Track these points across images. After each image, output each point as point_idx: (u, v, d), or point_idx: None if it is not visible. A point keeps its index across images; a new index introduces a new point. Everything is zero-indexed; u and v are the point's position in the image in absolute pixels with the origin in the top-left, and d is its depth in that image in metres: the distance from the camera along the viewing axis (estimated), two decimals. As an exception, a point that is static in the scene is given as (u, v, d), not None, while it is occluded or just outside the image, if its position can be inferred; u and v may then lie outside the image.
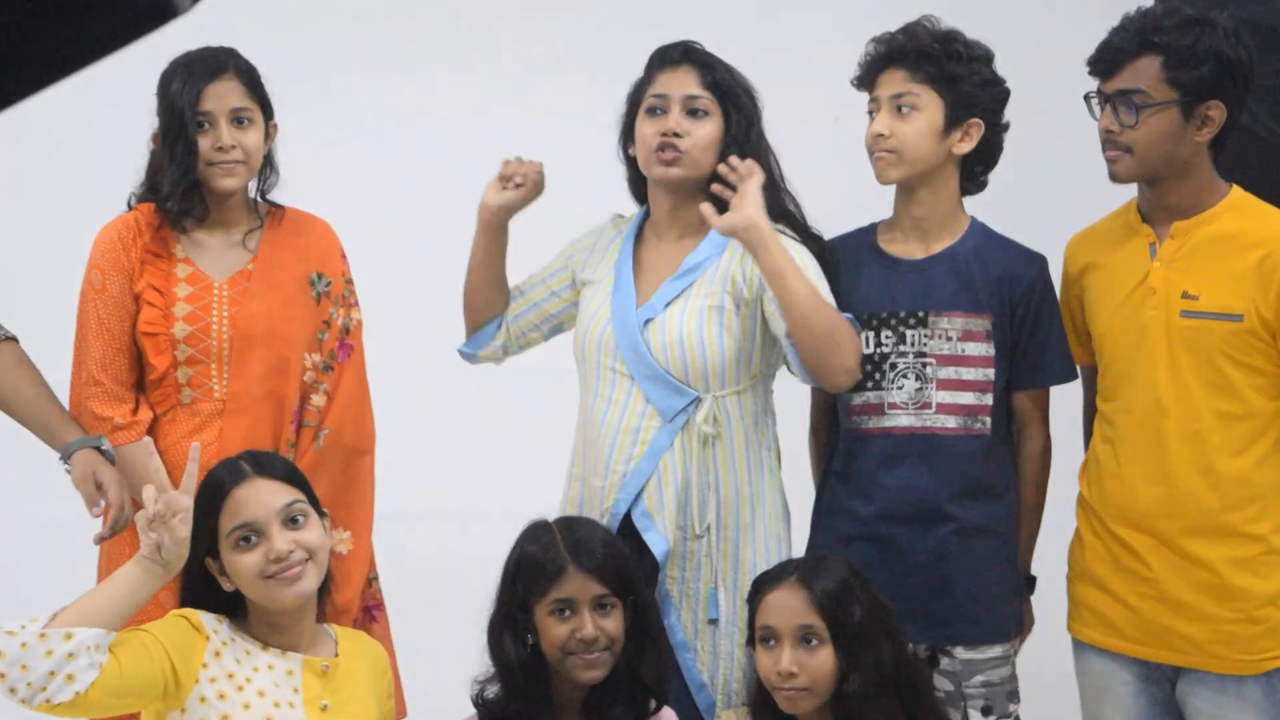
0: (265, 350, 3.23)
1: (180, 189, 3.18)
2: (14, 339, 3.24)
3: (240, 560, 2.81)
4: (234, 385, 3.23)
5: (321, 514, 2.93)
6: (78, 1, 1.28)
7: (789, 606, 2.94)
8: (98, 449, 3.10)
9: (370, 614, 3.36)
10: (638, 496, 3.20)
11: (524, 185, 3.29)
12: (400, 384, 3.84)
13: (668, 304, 3.22)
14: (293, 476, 2.92)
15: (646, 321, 3.22)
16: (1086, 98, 3.15)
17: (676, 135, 3.17)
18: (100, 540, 3.13)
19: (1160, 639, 3.11)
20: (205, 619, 2.84)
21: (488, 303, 3.43)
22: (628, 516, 3.21)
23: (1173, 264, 3.11)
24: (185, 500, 2.71)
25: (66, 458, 3.10)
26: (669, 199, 3.24)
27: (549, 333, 3.46)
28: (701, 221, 3.18)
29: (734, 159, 3.08)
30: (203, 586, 2.88)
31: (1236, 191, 3.14)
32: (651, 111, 3.21)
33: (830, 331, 3.07)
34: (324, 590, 2.96)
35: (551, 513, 3.27)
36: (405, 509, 3.74)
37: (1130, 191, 3.25)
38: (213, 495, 2.85)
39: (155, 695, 2.74)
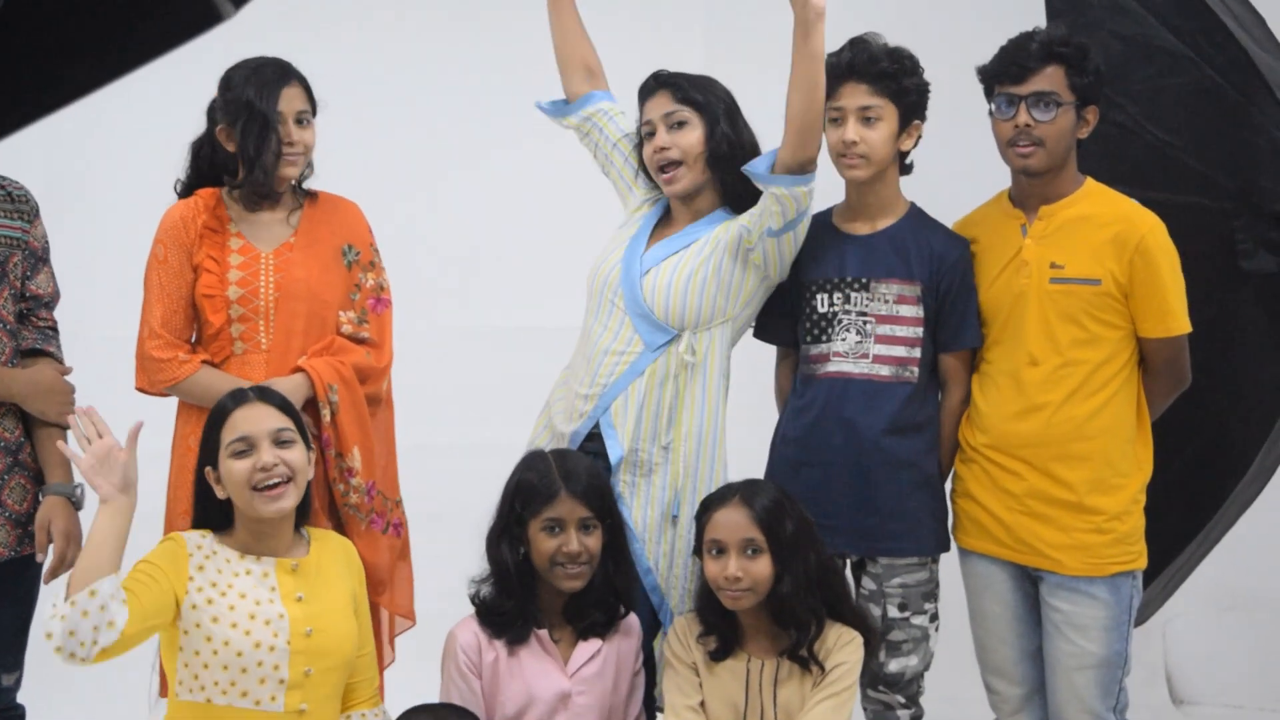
0: (305, 308, 3.36)
1: (268, 178, 3.31)
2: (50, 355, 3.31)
3: (233, 467, 2.92)
4: (277, 339, 3.34)
5: (309, 446, 3.03)
6: (127, 9, 1.25)
7: (734, 523, 3.07)
8: (68, 498, 3.23)
9: (396, 530, 3.47)
10: (607, 408, 3.34)
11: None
12: (427, 338, 3.92)
13: (666, 257, 3.34)
14: (287, 408, 3.04)
15: (645, 271, 3.35)
16: (993, 98, 3.28)
17: (666, 149, 3.32)
18: (49, 579, 3.19)
19: (1027, 546, 3.27)
20: (189, 538, 2.98)
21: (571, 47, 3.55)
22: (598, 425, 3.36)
23: (1042, 240, 3.27)
24: (111, 441, 2.83)
25: (43, 495, 3.23)
26: (680, 199, 3.40)
27: (594, 153, 3.59)
28: (709, 209, 3.39)
29: None
30: (203, 496, 3.01)
31: (1090, 181, 3.32)
32: (646, 136, 3.38)
33: (818, 118, 3.18)
34: (304, 506, 3.06)
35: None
36: (426, 443, 3.82)
37: (993, 185, 3.41)
38: (219, 414, 2.99)
39: (170, 612, 2.88)
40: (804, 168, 3.20)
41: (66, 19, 1.21)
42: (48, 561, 3.20)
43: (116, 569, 2.76)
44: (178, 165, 3.48)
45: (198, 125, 3.41)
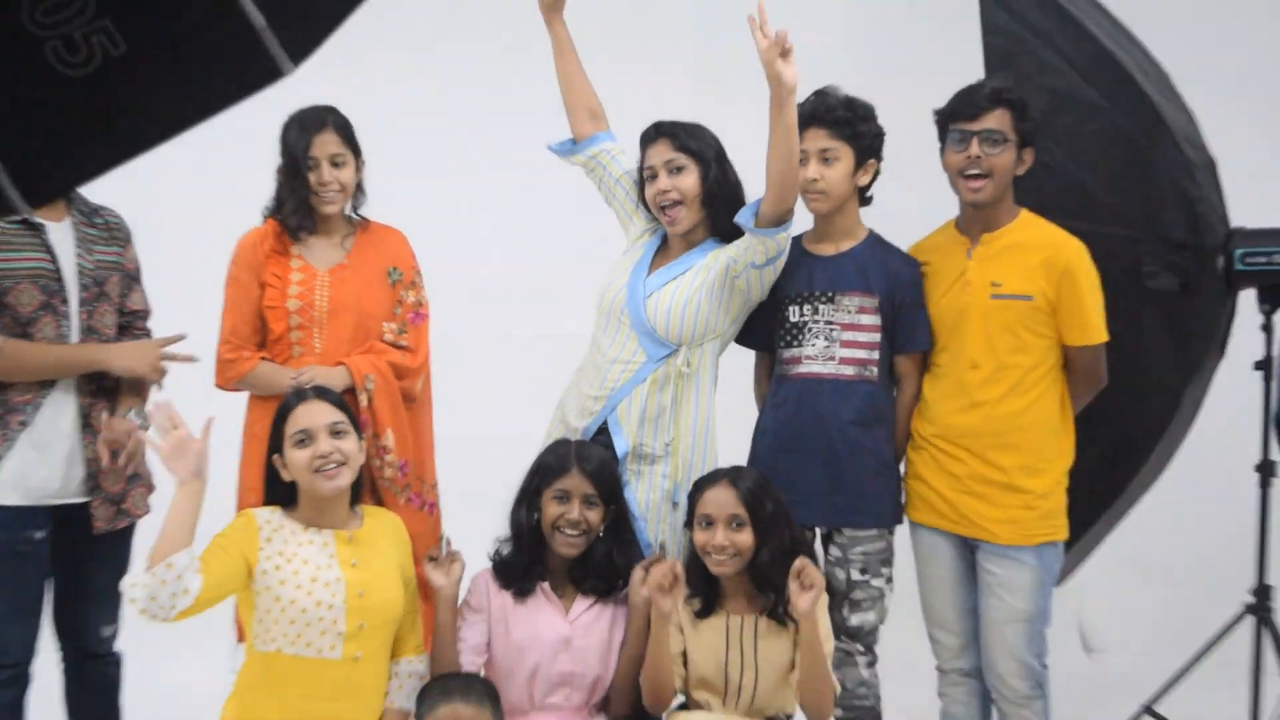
0: (353, 319, 3.38)
1: (298, 212, 3.36)
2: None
3: (296, 455, 2.96)
4: (328, 345, 3.35)
5: (360, 436, 3.06)
6: (201, 65, 1.22)
7: (722, 500, 3.09)
8: (125, 418, 3.24)
9: (430, 509, 3.47)
10: (614, 408, 3.32)
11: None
12: (462, 344, 3.88)
13: (666, 283, 3.32)
14: (341, 404, 3.06)
15: (649, 295, 3.33)
16: (948, 132, 3.28)
17: (667, 191, 3.30)
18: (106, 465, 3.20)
19: (967, 520, 3.29)
20: (260, 515, 3.00)
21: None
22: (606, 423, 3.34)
23: (983, 263, 3.27)
24: (186, 432, 2.84)
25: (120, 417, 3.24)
26: (681, 234, 3.38)
27: (599, 186, 3.55)
28: (701, 240, 3.37)
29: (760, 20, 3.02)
30: (271, 478, 3.04)
31: (1025, 212, 3.32)
32: (649, 178, 3.36)
33: (794, 179, 3.15)
34: (357, 488, 3.09)
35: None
36: (457, 434, 3.70)
37: (937, 216, 3.43)
38: (284, 410, 3.02)
39: (242, 578, 2.90)
40: (782, 218, 3.18)
41: (145, 77, 1.21)
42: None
43: (190, 543, 2.77)
44: (218, 192, 3.55)
45: (237, 152, 3.41)
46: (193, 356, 3.30)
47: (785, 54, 3.01)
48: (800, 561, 3.03)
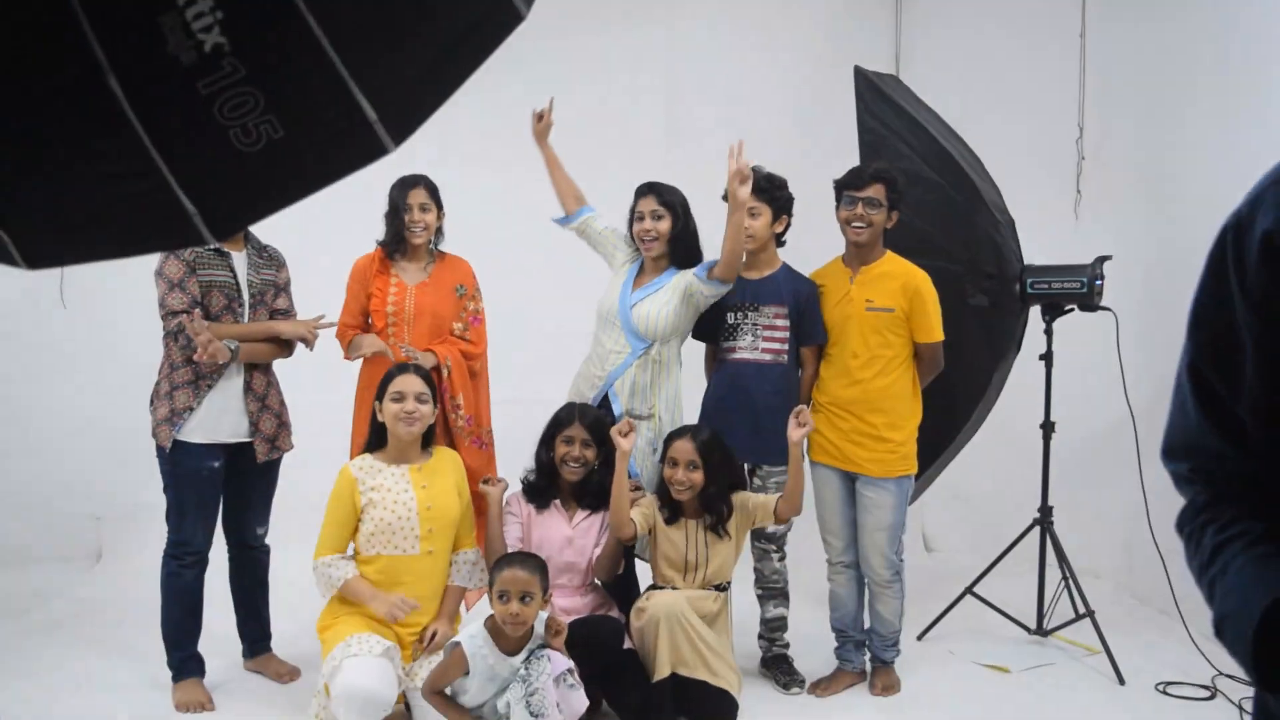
0: (430, 321, 3.36)
1: (395, 242, 3.36)
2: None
3: (390, 406, 2.97)
4: (413, 337, 3.34)
5: (435, 404, 3.02)
6: (331, 146, 1.14)
7: (684, 449, 3.11)
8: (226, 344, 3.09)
9: (485, 448, 3.44)
10: (611, 384, 3.31)
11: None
12: (510, 339, 3.83)
13: (644, 297, 3.30)
14: (427, 379, 3.03)
15: (633, 305, 3.31)
16: (842, 196, 3.27)
17: (649, 230, 3.30)
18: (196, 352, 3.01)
19: (849, 460, 3.31)
20: (353, 466, 2.97)
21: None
22: (607, 395, 3.33)
23: (861, 286, 3.29)
24: (407, 610, 2.86)
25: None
26: (652, 259, 3.36)
27: (588, 240, 3.49)
28: (667, 267, 3.32)
29: (736, 150, 3.04)
30: (374, 423, 3.03)
31: (889, 252, 3.34)
32: (637, 219, 3.35)
33: (740, 256, 3.17)
34: (428, 435, 3.04)
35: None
36: (506, 398, 3.71)
37: (826, 251, 3.41)
38: (388, 376, 3.02)
39: (356, 520, 2.94)
40: (727, 280, 3.22)
41: (294, 154, 1.14)
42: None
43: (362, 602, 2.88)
44: (336, 231, 3.45)
45: (349, 205, 3.28)
46: (332, 323, 3.31)
47: (744, 180, 3.04)
48: (799, 408, 3.09)
